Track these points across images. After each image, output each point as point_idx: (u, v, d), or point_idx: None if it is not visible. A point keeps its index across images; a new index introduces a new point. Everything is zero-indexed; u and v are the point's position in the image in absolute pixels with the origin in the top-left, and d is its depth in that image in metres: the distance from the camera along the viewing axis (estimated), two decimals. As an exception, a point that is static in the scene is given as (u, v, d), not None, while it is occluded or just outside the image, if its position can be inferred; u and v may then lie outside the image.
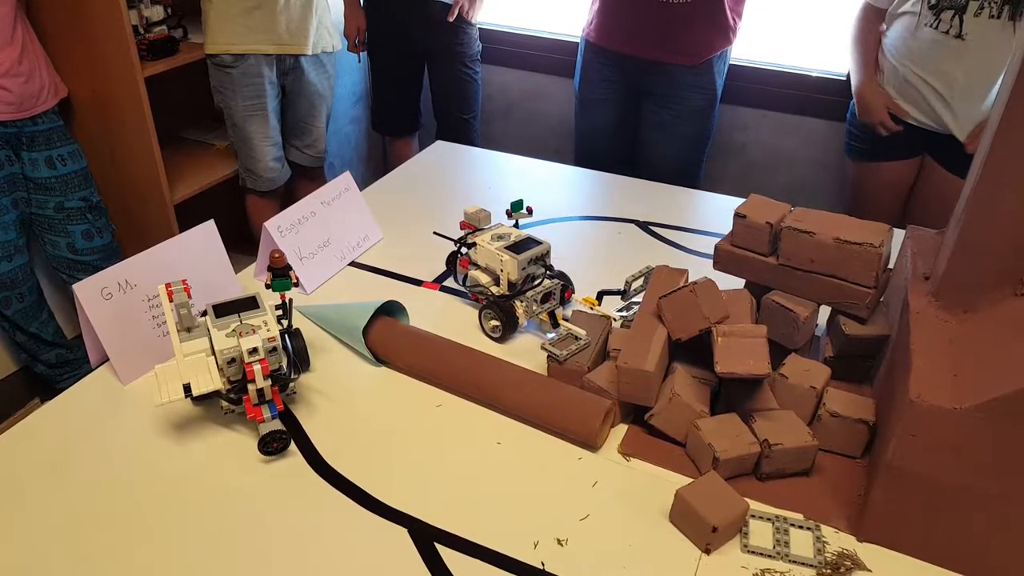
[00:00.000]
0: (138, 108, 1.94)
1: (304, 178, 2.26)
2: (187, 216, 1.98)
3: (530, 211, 1.18)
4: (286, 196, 2.19)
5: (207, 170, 2.23)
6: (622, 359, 0.90)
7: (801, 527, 0.81)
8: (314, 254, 1.23)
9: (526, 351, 1.07)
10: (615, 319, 1.08)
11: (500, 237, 1.12)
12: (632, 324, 0.97)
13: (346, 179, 1.33)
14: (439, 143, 1.78)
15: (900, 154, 1.90)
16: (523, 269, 1.07)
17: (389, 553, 0.78)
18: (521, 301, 1.08)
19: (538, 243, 1.10)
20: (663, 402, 0.90)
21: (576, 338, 1.01)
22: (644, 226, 1.41)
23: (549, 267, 1.11)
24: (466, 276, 1.16)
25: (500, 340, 1.09)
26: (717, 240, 1.05)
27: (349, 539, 0.79)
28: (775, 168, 2.43)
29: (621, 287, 1.11)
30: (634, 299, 1.11)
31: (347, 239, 1.30)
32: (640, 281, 1.10)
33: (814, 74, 2.31)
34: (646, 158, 2.05)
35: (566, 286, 1.13)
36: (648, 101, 2.00)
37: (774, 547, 0.79)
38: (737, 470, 0.86)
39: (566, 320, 1.06)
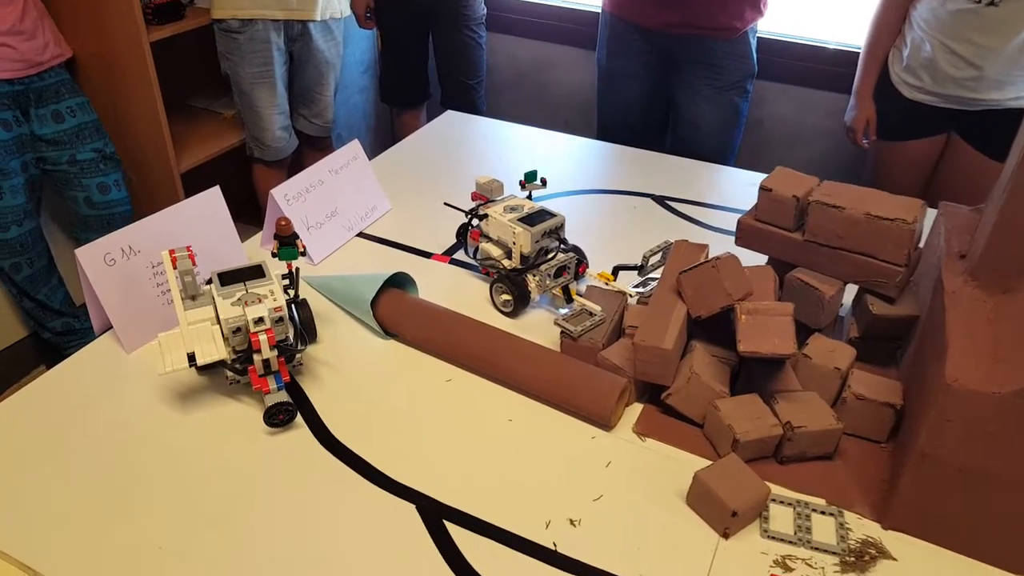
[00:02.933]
0: (144, 74, 1.90)
1: (311, 148, 2.23)
2: (193, 186, 1.93)
3: (544, 182, 1.14)
4: (293, 166, 2.15)
5: (214, 139, 2.19)
6: (639, 336, 0.86)
7: (823, 513, 0.78)
8: (321, 224, 1.20)
9: (538, 326, 1.04)
10: (631, 295, 1.04)
11: (513, 209, 1.08)
12: (650, 300, 0.94)
13: (355, 147, 1.29)
14: (449, 113, 1.74)
15: (925, 132, 1.85)
16: (536, 242, 1.04)
17: (397, 529, 0.76)
18: (534, 275, 1.05)
19: (552, 215, 1.06)
20: (681, 381, 0.87)
21: (591, 314, 0.98)
22: (660, 200, 1.37)
23: (563, 240, 1.08)
24: (477, 249, 1.12)
25: (511, 315, 1.06)
26: (735, 215, 1.02)
27: (356, 514, 0.77)
28: (793, 144, 2.38)
29: (637, 262, 1.07)
30: (651, 275, 1.08)
31: (355, 209, 1.26)
32: (658, 256, 1.07)
33: (831, 46, 2.25)
34: (686, 133, 1.96)
35: (580, 260, 1.10)
36: (685, 73, 1.90)
37: (795, 533, 0.76)
38: (757, 453, 0.83)
39: (580, 295, 1.03)
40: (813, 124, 2.34)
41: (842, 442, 0.84)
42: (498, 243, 1.09)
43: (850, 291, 0.96)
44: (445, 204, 1.26)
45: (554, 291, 1.07)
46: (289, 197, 1.15)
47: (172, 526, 0.76)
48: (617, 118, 2.04)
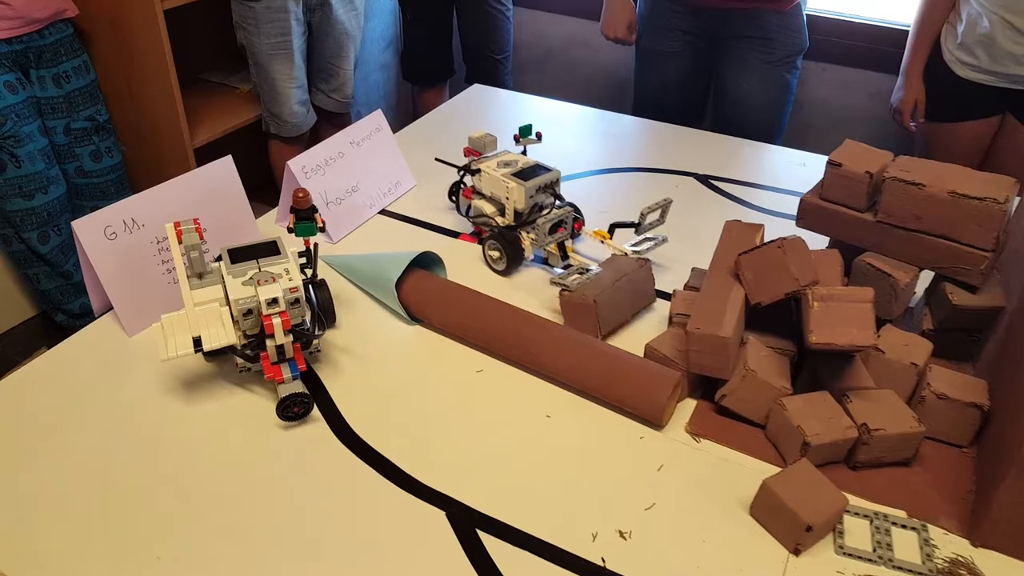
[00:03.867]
0: (157, 44, 1.81)
1: (330, 124, 2.14)
2: (207, 162, 1.87)
3: (539, 136, 1.09)
4: (311, 143, 2.06)
5: (229, 114, 2.11)
6: (693, 324, 0.78)
7: (904, 527, 0.69)
8: (341, 199, 1.11)
9: (533, 287, 0.98)
10: (627, 253, 0.97)
11: (506, 164, 1.02)
12: (702, 285, 0.85)
13: (377, 118, 1.20)
14: (476, 87, 1.64)
15: (978, 113, 1.74)
16: (531, 197, 0.98)
17: (424, 538, 0.68)
18: (528, 231, 0.97)
19: (547, 170, 1.00)
20: (735, 380, 0.78)
21: (587, 270, 0.91)
22: (704, 179, 1.27)
23: (559, 196, 1.01)
24: (469, 207, 1.06)
25: (504, 273, 1.01)
26: (784, 196, 0.93)
27: (378, 520, 0.69)
28: (834, 126, 2.27)
29: (665, 238, 1.00)
30: (648, 234, 1.00)
31: (378, 184, 1.18)
32: (656, 214, 1.00)
33: (875, 23, 2.13)
34: (732, 111, 1.86)
35: (577, 217, 1.02)
36: (734, 48, 1.79)
37: (874, 549, 0.67)
38: (827, 458, 0.74)
39: (577, 253, 0.95)
40: (855, 106, 2.23)
41: (920, 446, 0.75)
42: (491, 199, 1.03)
43: (922, 278, 0.87)
44: (436, 160, 1.19)
45: (549, 248, 1.00)
46: (307, 170, 1.07)
47: (172, 532, 0.68)
48: (655, 98, 1.94)
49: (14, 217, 1.69)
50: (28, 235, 1.72)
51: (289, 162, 1.04)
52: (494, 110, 1.54)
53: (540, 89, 2.61)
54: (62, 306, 1.89)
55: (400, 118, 2.84)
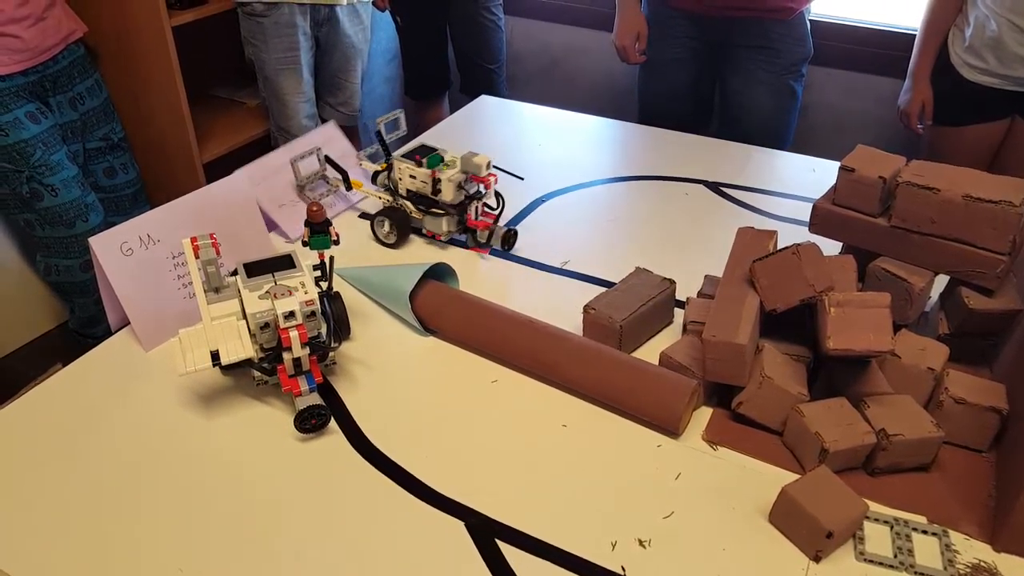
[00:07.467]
0: (165, 61, 1.83)
1: (337, 138, 2.15)
2: (216, 178, 1.87)
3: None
4: (319, 157, 2.08)
5: (238, 129, 2.13)
6: (708, 331, 0.78)
7: (925, 532, 0.69)
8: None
9: (533, 291, 0.96)
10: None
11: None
12: (716, 292, 0.85)
13: (331, 128, 1.24)
14: (483, 98, 1.65)
15: (986, 116, 1.73)
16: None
17: (443, 549, 0.68)
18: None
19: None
20: (752, 387, 0.78)
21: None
22: (714, 187, 1.27)
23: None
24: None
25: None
26: (796, 202, 0.93)
27: (398, 531, 0.69)
28: (840, 131, 2.26)
29: (697, 256, 0.99)
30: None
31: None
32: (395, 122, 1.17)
33: (881, 27, 2.14)
34: (739, 120, 1.86)
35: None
36: (740, 57, 1.80)
37: (895, 555, 0.67)
38: (845, 464, 0.74)
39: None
40: (861, 110, 2.23)
41: (939, 451, 0.75)
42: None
43: (937, 282, 0.87)
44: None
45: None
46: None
47: (193, 545, 0.68)
48: (660, 107, 1.94)
49: (56, 245, 1.68)
50: (70, 263, 1.72)
51: (240, 170, 1.04)
52: (503, 121, 1.54)
53: (544, 98, 2.62)
54: (87, 330, 1.89)
55: (407, 130, 2.85)
